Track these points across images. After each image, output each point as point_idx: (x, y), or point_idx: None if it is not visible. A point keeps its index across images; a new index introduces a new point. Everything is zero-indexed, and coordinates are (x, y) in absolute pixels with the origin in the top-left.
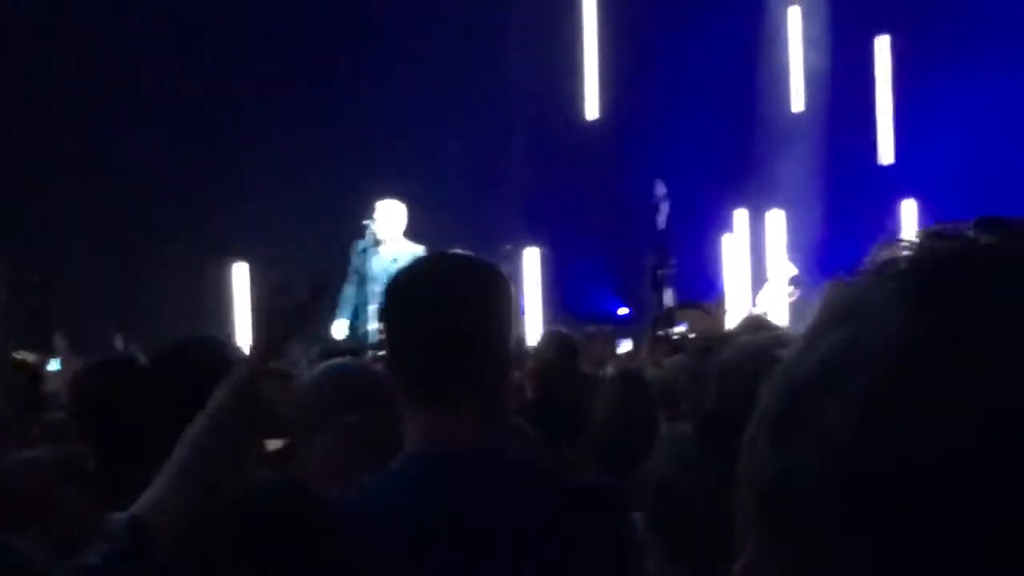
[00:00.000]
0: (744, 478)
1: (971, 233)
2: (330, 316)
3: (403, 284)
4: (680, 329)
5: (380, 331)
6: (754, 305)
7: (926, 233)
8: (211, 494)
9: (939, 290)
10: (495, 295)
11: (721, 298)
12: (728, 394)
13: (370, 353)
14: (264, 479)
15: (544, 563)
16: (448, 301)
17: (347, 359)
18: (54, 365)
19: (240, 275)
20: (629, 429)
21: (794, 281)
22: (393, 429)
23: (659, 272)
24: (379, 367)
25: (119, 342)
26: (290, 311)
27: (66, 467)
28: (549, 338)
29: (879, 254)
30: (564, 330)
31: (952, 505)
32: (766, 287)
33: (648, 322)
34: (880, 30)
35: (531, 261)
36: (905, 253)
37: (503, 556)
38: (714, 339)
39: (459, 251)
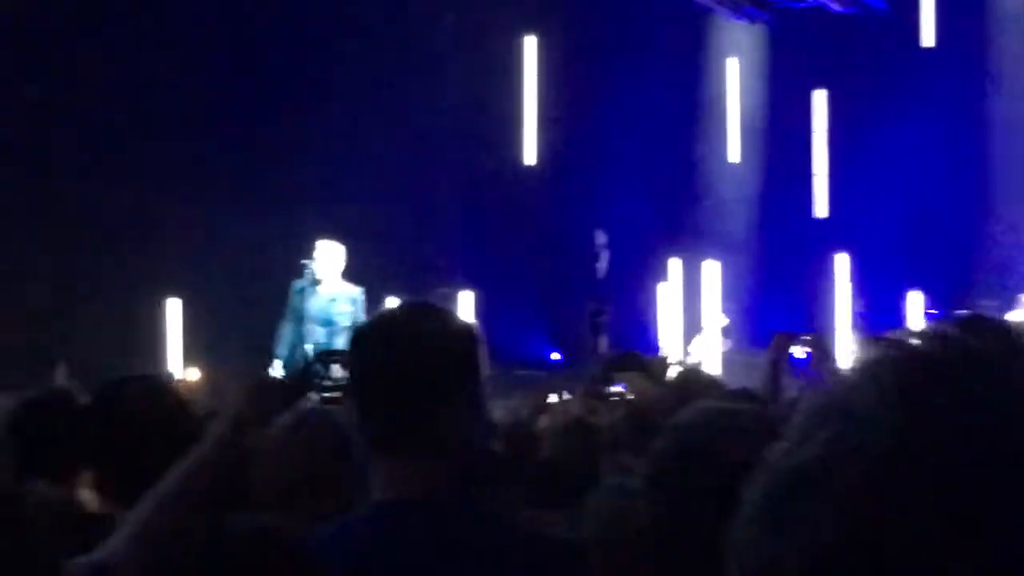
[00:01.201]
0: (735, 554)
1: (952, 333)
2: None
3: (369, 336)
4: (617, 389)
5: (325, 376)
6: (687, 354)
7: (909, 332)
8: (180, 538)
9: (917, 393)
10: (463, 351)
11: (661, 355)
12: (683, 454)
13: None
14: (237, 523)
15: None
16: (418, 355)
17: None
18: None
19: (174, 311)
20: (572, 477)
21: (726, 331)
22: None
23: (598, 319)
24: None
25: (61, 373)
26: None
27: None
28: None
29: (867, 352)
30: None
31: None
32: (699, 336)
33: (583, 370)
34: (817, 84)
35: (465, 304)
36: (890, 353)
37: None
38: (655, 403)
39: (428, 302)
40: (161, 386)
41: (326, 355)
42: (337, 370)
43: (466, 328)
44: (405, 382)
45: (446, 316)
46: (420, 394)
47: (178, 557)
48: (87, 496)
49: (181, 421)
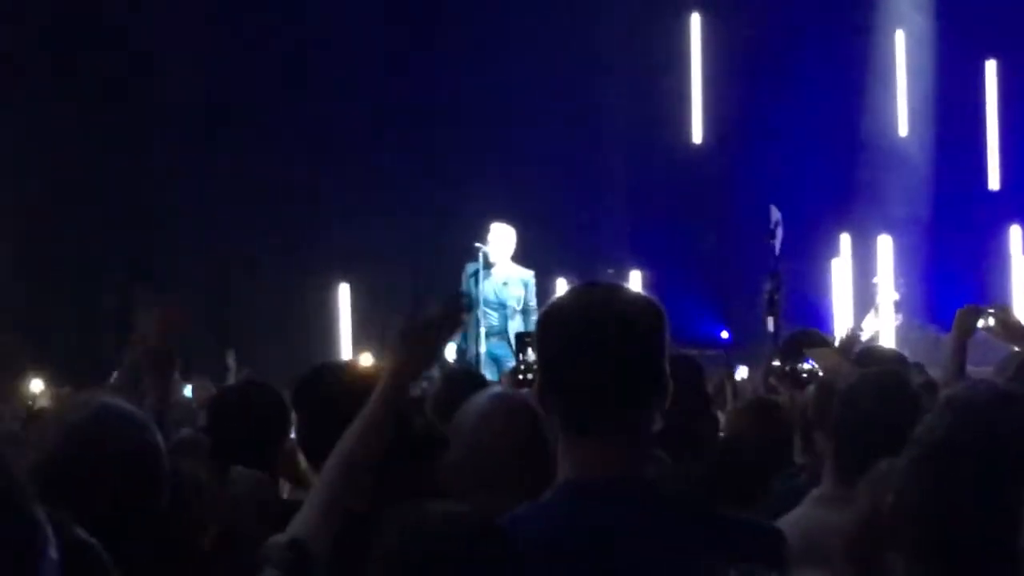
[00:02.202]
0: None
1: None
2: None
3: (563, 316)
4: (807, 366)
5: (523, 360)
6: (859, 330)
7: None
8: (387, 522)
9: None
10: (655, 329)
11: (851, 331)
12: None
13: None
14: (433, 509)
15: None
16: (614, 336)
17: (500, 390)
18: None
19: (343, 296)
20: (762, 457)
21: (897, 306)
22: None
23: (775, 297)
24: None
25: (231, 361)
26: (429, 327)
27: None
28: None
29: None
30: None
31: None
32: (871, 312)
33: (754, 348)
34: (987, 54)
35: (634, 285)
36: None
37: None
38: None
39: (612, 282)
40: (358, 372)
41: (521, 337)
42: (531, 353)
43: (656, 306)
44: (606, 361)
45: (637, 295)
46: (620, 374)
47: (392, 540)
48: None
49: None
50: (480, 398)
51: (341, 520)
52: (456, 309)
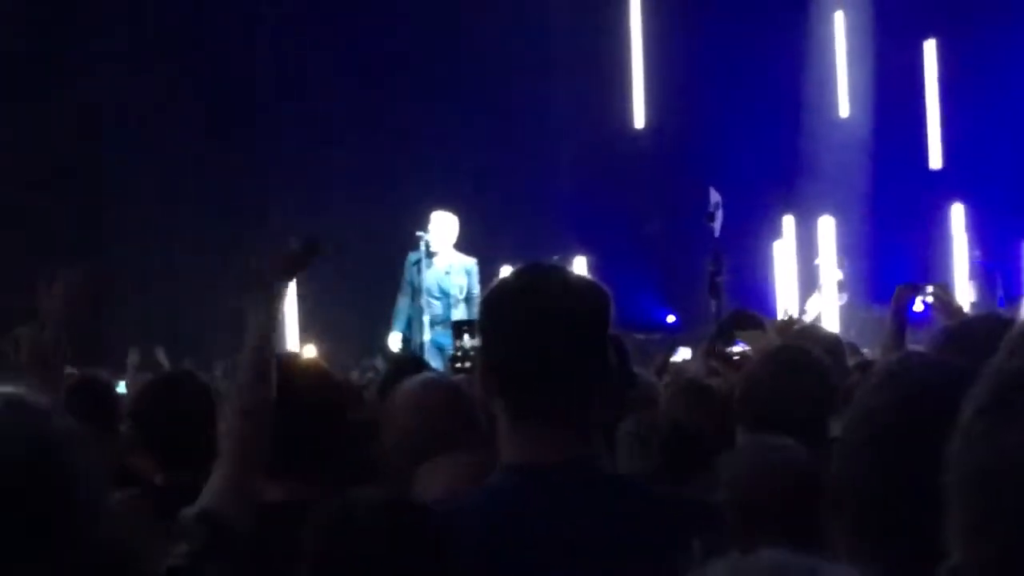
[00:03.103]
0: (957, 457)
1: None
2: (385, 328)
3: (506, 298)
4: (739, 348)
5: (460, 347)
6: (803, 311)
7: None
8: (314, 516)
9: None
10: (599, 312)
11: (786, 313)
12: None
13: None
14: (366, 495)
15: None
16: (557, 319)
17: (433, 374)
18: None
19: (288, 288)
20: (698, 438)
21: (841, 286)
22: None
23: (716, 279)
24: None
25: (162, 357)
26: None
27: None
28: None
29: None
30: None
31: None
32: (815, 293)
33: (700, 331)
34: (927, 34)
35: (579, 271)
36: None
37: (605, 567)
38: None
39: (556, 265)
40: (300, 364)
41: (458, 325)
42: (467, 340)
43: (600, 289)
44: (550, 344)
45: (580, 278)
46: (565, 357)
47: (320, 523)
48: None
49: (334, 395)
50: (410, 382)
51: (272, 508)
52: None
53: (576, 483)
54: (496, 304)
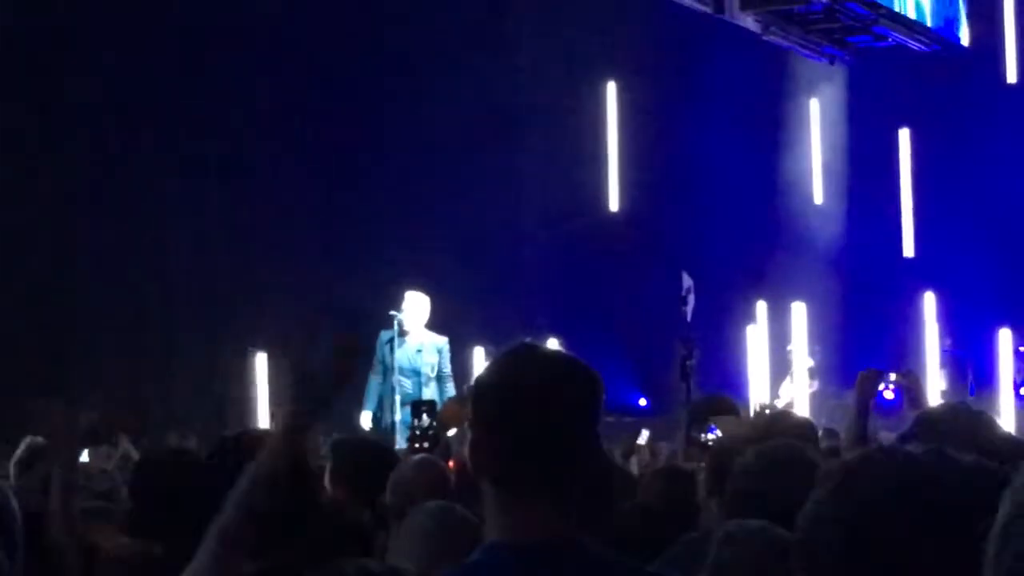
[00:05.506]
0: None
1: None
2: (356, 408)
3: (501, 380)
4: (712, 436)
5: (417, 426)
6: (776, 396)
7: None
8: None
9: None
10: (592, 395)
11: (761, 403)
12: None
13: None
14: (357, 565)
15: None
16: (552, 402)
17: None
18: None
19: (260, 366)
20: (672, 522)
21: (812, 372)
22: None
23: (687, 363)
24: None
25: (173, 439)
26: (317, 380)
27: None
28: None
29: None
30: None
31: None
32: (787, 379)
33: (671, 415)
34: (900, 123)
35: None
36: None
37: None
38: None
39: (549, 347)
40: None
41: (417, 405)
42: (426, 419)
43: (593, 372)
44: (545, 427)
45: (574, 360)
46: (558, 438)
47: None
48: None
49: (304, 474)
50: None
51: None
52: (346, 353)
53: (564, 562)
54: (490, 384)
